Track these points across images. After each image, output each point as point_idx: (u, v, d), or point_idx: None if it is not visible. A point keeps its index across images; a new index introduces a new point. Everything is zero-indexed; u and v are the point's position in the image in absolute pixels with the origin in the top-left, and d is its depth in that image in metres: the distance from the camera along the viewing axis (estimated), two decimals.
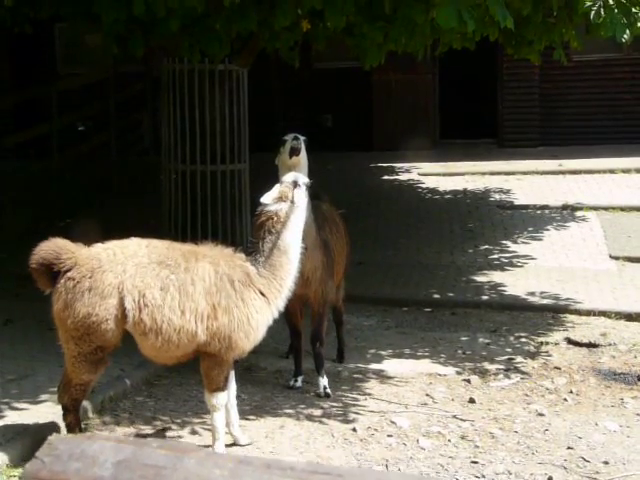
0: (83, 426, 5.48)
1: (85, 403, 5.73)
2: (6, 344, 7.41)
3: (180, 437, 5.67)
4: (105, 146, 13.92)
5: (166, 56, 8.26)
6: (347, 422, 5.96)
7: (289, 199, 5.27)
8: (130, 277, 5.00)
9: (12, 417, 5.74)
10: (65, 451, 2.06)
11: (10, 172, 11.02)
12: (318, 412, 6.15)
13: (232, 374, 5.41)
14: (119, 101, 14.19)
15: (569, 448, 5.53)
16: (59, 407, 5.36)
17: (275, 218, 5.22)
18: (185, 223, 8.28)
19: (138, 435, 5.67)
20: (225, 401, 5.28)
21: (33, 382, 6.44)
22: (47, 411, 5.78)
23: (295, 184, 5.34)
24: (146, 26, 7.43)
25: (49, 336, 5.31)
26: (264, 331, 5.28)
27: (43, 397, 6.08)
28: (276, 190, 5.31)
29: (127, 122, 14.75)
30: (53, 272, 5.07)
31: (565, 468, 5.25)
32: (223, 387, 5.22)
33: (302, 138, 6.42)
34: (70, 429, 5.27)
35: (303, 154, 6.37)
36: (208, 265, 5.11)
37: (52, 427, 5.54)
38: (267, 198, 5.28)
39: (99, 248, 5.18)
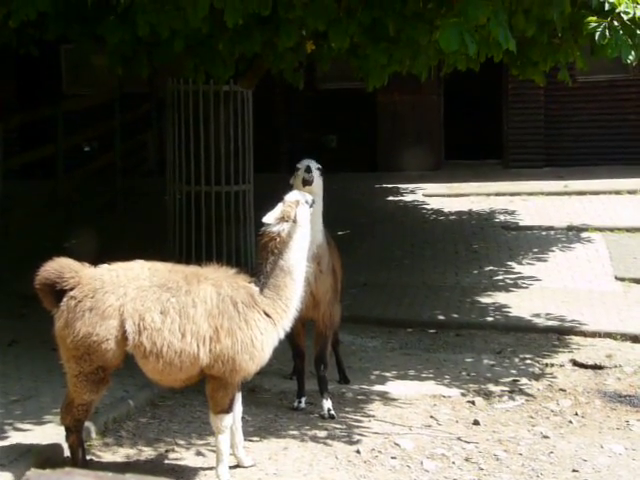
0: (86, 447, 5.46)
1: (88, 424, 5.71)
2: (10, 365, 7.41)
3: (184, 459, 5.63)
4: (110, 167, 13.96)
5: (171, 77, 8.30)
6: (351, 444, 5.92)
7: (291, 218, 5.23)
8: (131, 300, 5.00)
9: (16, 438, 5.72)
10: None
11: (15, 193, 11.04)
12: (322, 434, 6.12)
13: (239, 396, 5.38)
14: (124, 122, 14.24)
15: (574, 471, 5.49)
16: (63, 428, 5.34)
17: (278, 239, 5.18)
18: (190, 244, 8.29)
19: (138, 459, 5.65)
20: (230, 423, 5.24)
21: (37, 403, 6.42)
22: (51, 432, 5.76)
23: (298, 203, 5.31)
24: (151, 47, 7.48)
25: (53, 357, 5.30)
26: (270, 352, 5.24)
27: (47, 418, 6.06)
28: (278, 210, 5.28)
29: (132, 143, 14.80)
30: (58, 291, 5.08)
31: None
32: (228, 409, 5.18)
33: (315, 167, 6.33)
34: (73, 450, 5.25)
35: (317, 182, 6.26)
36: (210, 287, 5.10)
37: (55, 448, 5.53)
38: (269, 218, 5.25)
39: (103, 269, 5.19)
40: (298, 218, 5.22)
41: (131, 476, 1.85)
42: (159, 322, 4.98)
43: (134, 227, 12.68)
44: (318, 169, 6.36)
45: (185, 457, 5.67)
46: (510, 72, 9.92)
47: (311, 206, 5.41)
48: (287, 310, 5.19)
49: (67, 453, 5.36)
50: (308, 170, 6.25)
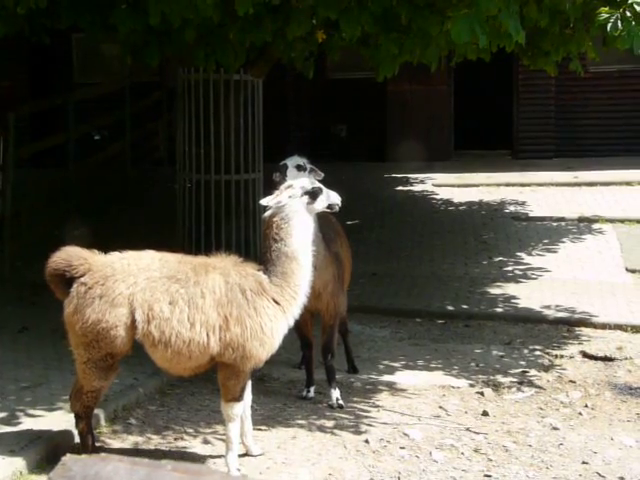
0: (95, 434, 5.49)
1: (98, 411, 5.75)
2: (21, 352, 7.45)
3: (192, 447, 5.66)
4: (120, 155, 13.98)
5: (181, 66, 8.30)
6: (359, 434, 5.93)
7: (281, 203, 5.22)
8: (141, 290, 5.03)
9: (27, 424, 5.76)
10: (79, 472, 2.04)
11: (26, 181, 11.06)
12: (330, 423, 6.13)
13: (249, 385, 5.40)
14: (135, 111, 14.25)
15: (584, 463, 5.48)
16: (73, 415, 5.37)
17: (274, 224, 5.19)
18: (199, 232, 8.30)
19: (142, 450, 5.67)
20: (241, 412, 5.27)
21: (47, 390, 6.46)
22: (61, 419, 5.80)
23: (289, 187, 5.31)
24: (162, 36, 7.48)
25: (64, 344, 5.32)
26: (280, 339, 5.26)
27: (57, 405, 6.10)
28: (275, 194, 5.30)
29: (142, 132, 14.82)
30: (68, 280, 5.10)
31: None
32: (239, 397, 5.21)
33: (293, 164, 6.33)
34: (82, 437, 5.28)
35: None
36: (218, 276, 5.12)
37: (66, 435, 5.57)
38: (265, 200, 5.29)
39: (115, 257, 5.22)
40: (285, 202, 5.20)
41: (167, 462, 1.86)
42: (168, 312, 5.01)
43: (144, 215, 12.70)
44: (298, 166, 6.35)
45: (193, 445, 5.69)
46: (521, 62, 9.89)
47: (311, 194, 5.31)
48: (295, 297, 5.20)
49: (77, 440, 5.39)
50: (281, 170, 6.26)
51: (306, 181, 5.48)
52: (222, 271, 5.16)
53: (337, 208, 5.57)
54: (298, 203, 5.25)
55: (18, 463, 5.14)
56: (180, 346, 5.02)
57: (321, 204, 5.42)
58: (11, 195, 10.23)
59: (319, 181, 5.92)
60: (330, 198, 5.48)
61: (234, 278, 5.14)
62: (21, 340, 7.84)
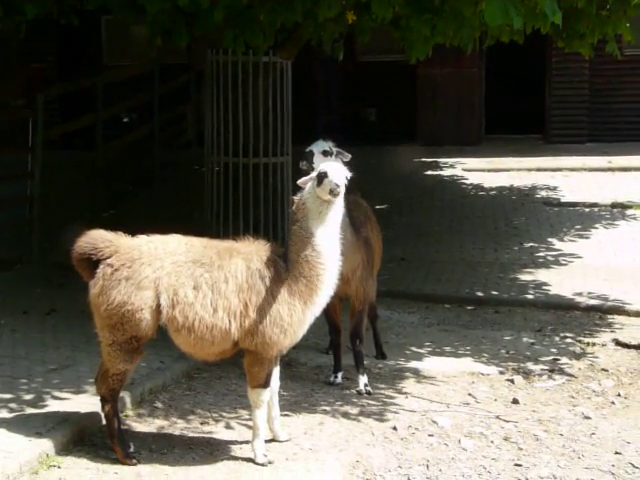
0: (121, 417, 5.46)
1: (124, 394, 5.73)
2: (49, 333, 7.47)
3: (218, 432, 5.61)
4: (149, 138, 13.97)
5: (210, 47, 8.22)
6: (387, 420, 5.86)
7: (304, 186, 5.07)
8: (167, 274, 5.00)
9: (53, 406, 5.75)
10: None
11: (55, 162, 11.07)
12: (358, 410, 6.07)
13: (276, 371, 5.34)
14: (163, 93, 14.23)
15: (617, 453, 5.37)
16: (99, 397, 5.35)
17: (296, 208, 5.06)
18: (227, 215, 8.24)
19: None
20: (267, 398, 5.21)
21: (75, 372, 6.46)
22: (88, 401, 5.78)
23: (316, 171, 5.09)
24: (190, 17, 7.39)
25: (91, 326, 5.29)
26: (304, 327, 5.15)
27: (84, 387, 6.09)
28: (307, 177, 5.15)
29: (171, 114, 14.79)
30: (95, 263, 5.07)
31: (613, 474, 5.09)
32: (265, 384, 5.15)
33: (319, 150, 6.21)
34: (108, 420, 5.25)
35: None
36: (241, 261, 5.05)
37: (92, 417, 5.55)
38: (300, 181, 5.12)
39: (142, 240, 5.18)
40: (306, 187, 5.06)
41: None
42: (192, 297, 4.97)
43: (171, 198, 12.69)
44: (324, 152, 6.24)
45: (220, 430, 5.65)
46: (556, 44, 9.72)
47: (318, 177, 4.93)
48: (313, 287, 5.02)
49: (104, 422, 5.36)
50: (308, 158, 6.16)
51: (325, 165, 5.15)
52: (245, 256, 5.08)
53: (338, 193, 4.91)
54: (310, 185, 5.08)
55: (44, 445, 5.13)
56: (203, 331, 4.97)
57: (325, 191, 4.92)
58: (40, 176, 10.24)
59: (345, 163, 5.79)
60: (332, 183, 4.87)
61: (256, 264, 5.06)
62: (49, 322, 7.85)
